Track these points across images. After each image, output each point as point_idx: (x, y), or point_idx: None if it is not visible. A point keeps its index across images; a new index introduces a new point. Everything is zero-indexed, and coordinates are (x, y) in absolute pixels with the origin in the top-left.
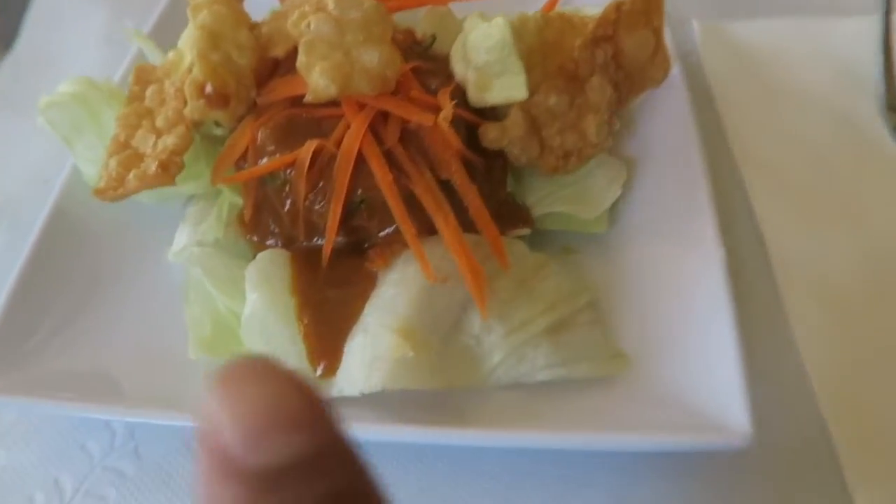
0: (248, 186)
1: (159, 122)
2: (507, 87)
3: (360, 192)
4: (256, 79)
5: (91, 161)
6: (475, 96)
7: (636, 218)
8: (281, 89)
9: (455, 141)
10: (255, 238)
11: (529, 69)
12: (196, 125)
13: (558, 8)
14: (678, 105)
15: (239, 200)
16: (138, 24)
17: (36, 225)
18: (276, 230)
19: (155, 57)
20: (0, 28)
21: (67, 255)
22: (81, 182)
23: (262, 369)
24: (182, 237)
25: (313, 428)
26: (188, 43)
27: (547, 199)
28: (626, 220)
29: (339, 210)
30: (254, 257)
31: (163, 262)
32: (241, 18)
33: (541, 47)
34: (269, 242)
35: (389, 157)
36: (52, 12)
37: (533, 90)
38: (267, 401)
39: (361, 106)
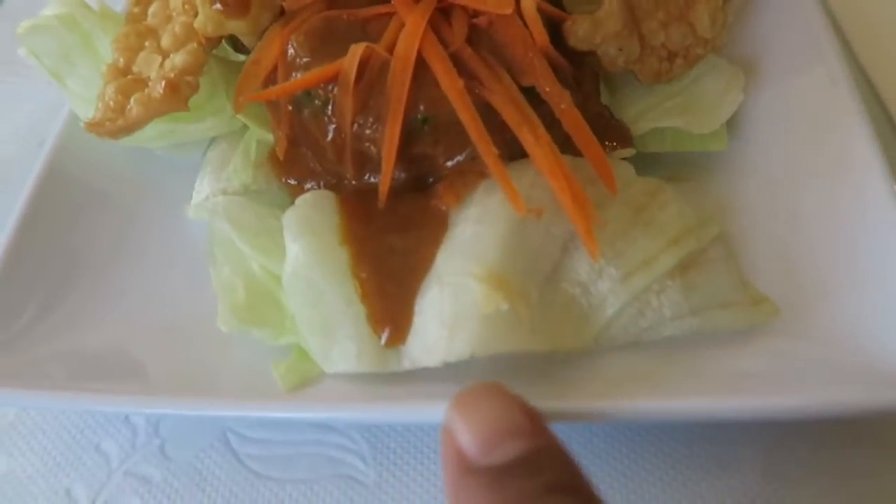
0: (279, 115)
1: (165, 42)
2: None
3: (421, 108)
4: None
5: (88, 101)
6: None
7: (762, 130)
8: None
9: (540, 34)
10: (292, 180)
11: None
12: (210, 43)
13: None
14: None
15: (269, 136)
16: None
17: (26, 186)
18: (318, 168)
19: None
20: None
21: (66, 217)
22: (79, 130)
23: (492, 390)
24: (203, 187)
25: (532, 435)
26: None
27: (649, 113)
28: (750, 133)
29: (396, 132)
30: (292, 204)
31: (181, 220)
32: None
33: None
34: (309, 185)
35: (456, 62)
36: None
37: None
38: (495, 414)
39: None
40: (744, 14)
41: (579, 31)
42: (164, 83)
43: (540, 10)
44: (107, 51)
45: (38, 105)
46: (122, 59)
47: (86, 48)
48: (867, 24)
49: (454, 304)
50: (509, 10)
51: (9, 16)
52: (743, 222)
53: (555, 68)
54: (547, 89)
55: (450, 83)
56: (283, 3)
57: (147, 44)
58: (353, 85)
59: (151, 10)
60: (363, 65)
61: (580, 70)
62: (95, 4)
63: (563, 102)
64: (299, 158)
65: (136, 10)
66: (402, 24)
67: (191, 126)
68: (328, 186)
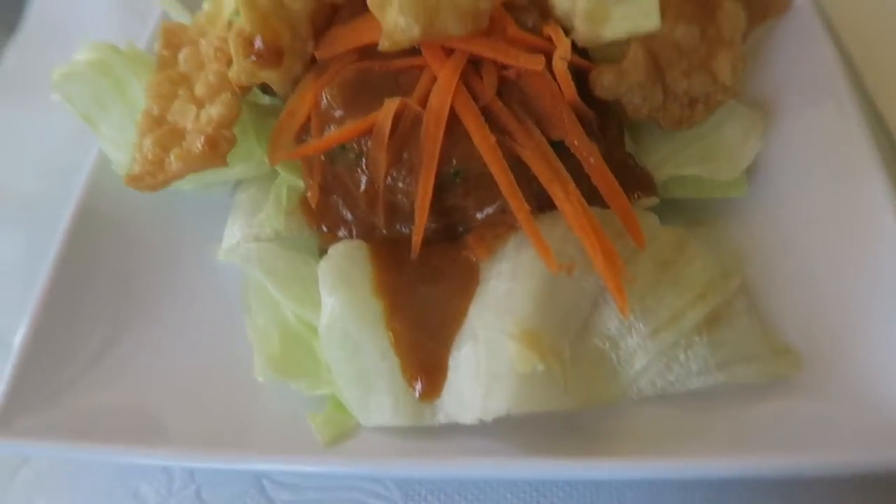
0: (312, 165)
1: (199, 90)
2: (633, 14)
3: (453, 162)
4: (313, 27)
5: (119, 145)
6: (587, 31)
7: (780, 175)
8: (345, 38)
9: (569, 88)
10: (323, 227)
11: None
12: (243, 90)
13: None
14: (810, 33)
15: (300, 183)
16: None
17: (60, 228)
18: (350, 217)
19: (181, 18)
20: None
21: (98, 265)
22: (109, 171)
23: None
24: (234, 231)
25: None
26: None
27: (672, 160)
28: (768, 179)
29: (429, 186)
30: (323, 251)
31: (212, 264)
32: None
33: None
34: (341, 233)
35: (487, 116)
36: None
37: None
38: None
39: (448, 52)
40: (759, 55)
41: (604, 81)
42: (203, 139)
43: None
44: (138, 94)
45: (61, 134)
46: (156, 108)
47: (118, 93)
48: (880, 60)
49: (489, 362)
50: (540, 67)
51: (27, 43)
52: (763, 268)
53: (581, 119)
54: (576, 143)
55: (482, 138)
56: (315, 53)
57: (181, 92)
58: (387, 139)
59: (182, 55)
60: (396, 118)
61: (605, 118)
62: (123, 45)
63: (591, 156)
64: (331, 206)
65: (166, 53)
66: (434, 77)
67: (221, 170)
68: (360, 234)
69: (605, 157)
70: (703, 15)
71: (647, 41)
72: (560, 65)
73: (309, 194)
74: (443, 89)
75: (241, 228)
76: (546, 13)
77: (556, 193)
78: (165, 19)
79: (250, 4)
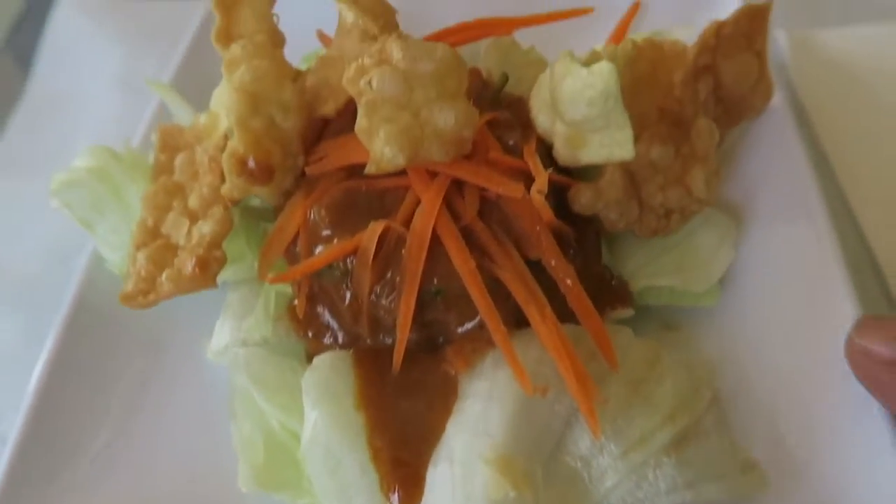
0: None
1: (192, 202)
2: (609, 143)
3: (434, 281)
4: (303, 143)
5: (114, 246)
6: (565, 154)
7: (751, 284)
8: (334, 156)
9: (547, 213)
10: (310, 334)
11: None
12: (236, 202)
13: (633, 29)
14: (784, 138)
15: (287, 289)
16: (160, 65)
17: (53, 327)
18: (336, 326)
19: (179, 110)
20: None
21: (91, 361)
22: (103, 270)
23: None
24: (223, 333)
25: None
26: (224, 105)
27: (646, 269)
28: (739, 286)
29: (411, 305)
30: (309, 355)
31: (203, 360)
32: (285, 71)
33: (632, 84)
34: (327, 340)
35: (468, 236)
36: (64, 51)
37: None
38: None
39: (432, 175)
40: (734, 157)
41: (582, 199)
42: (194, 261)
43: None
44: (134, 198)
45: (60, 214)
46: (151, 219)
47: (115, 198)
48: (856, 163)
49: (465, 484)
50: (519, 195)
51: (28, 117)
52: (733, 377)
53: (559, 236)
54: (553, 263)
55: (462, 262)
56: (306, 169)
57: (175, 203)
58: (370, 260)
59: (178, 160)
60: (381, 239)
61: (583, 230)
62: (121, 144)
63: (567, 278)
64: (317, 315)
65: (162, 157)
66: (418, 199)
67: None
68: (345, 342)
69: (582, 269)
70: (678, 134)
71: (624, 162)
72: (537, 198)
73: (297, 304)
74: (426, 212)
75: (230, 331)
76: (529, 127)
77: (533, 315)
78: (162, 108)
79: (244, 126)
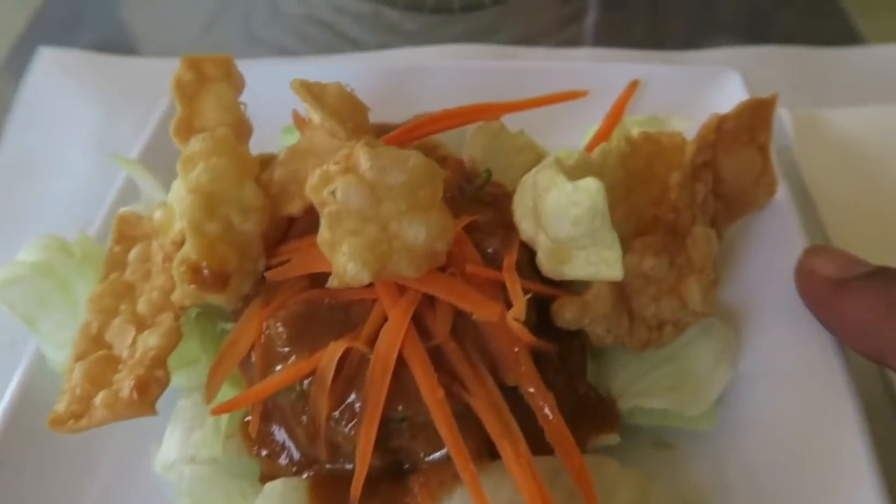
0: None
1: (141, 307)
2: (596, 261)
3: (399, 408)
4: (266, 243)
5: (58, 345)
6: (549, 267)
7: (752, 401)
8: (297, 262)
9: (526, 336)
10: (263, 454)
11: (611, 207)
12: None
13: (630, 111)
14: (789, 237)
15: None
16: (138, 126)
17: None
18: (292, 446)
19: (148, 187)
20: None
21: (27, 472)
22: (45, 372)
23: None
24: (171, 445)
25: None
26: (179, 204)
27: (636, 387)
28: (740, 403)
29: (372, 434)
30: (264, 476)
31: (149, 471)
32: (247, 168)
33: (626, 181)
34: (282, 461)
35: (438, 358)
36: (39, 109)
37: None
38: (839, 252)
39: (402, 289)
40: (733, 255)
41: (566, 315)
42: (132, 384)
43: (526, 288)
44: (82, 294)
45: None
46: (95, 324)
47: (61, 293)
48: (863, 252)
49: None
50: (495, 319)
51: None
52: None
53: (540, 354)
54: (531, 391)
55: (429, 391)
56: (265, 275)
57: (123, 307)
58: (329, 384)
59: (132, 255)
60: (342, 359)
61: (567, 345)
62: (75, 236)
63: (547, 407)
64: (272, 435)
65: (117, 248)
66: (385, 315)
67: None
68: (301, 464)
69: (565, 390)
70: (673, 244)
71: None
72: (514, 324)
73: (251, 423)
74: (392, 333)
75: (177, 445)
76: (512, 230)
77: (506, 452)
78: (129, 185)
79: (198, 232)
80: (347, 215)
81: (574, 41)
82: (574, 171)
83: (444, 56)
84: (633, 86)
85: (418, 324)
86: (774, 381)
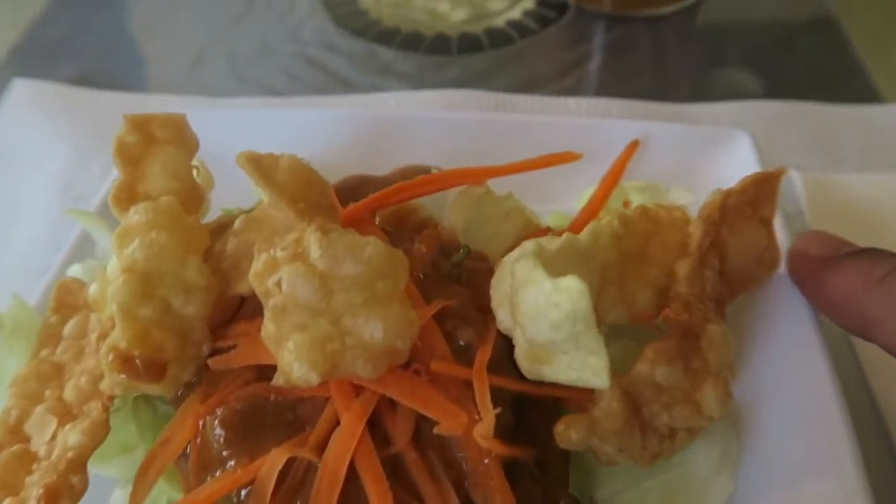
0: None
1: (68, 394)
2: (579, 367)
3: None
4: (213, 323)
5: None
6: (527, 367)
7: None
8: (243, 350)
9: (498, 449)
10: None
11: (601, 292)
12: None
13: (627, 176)
14: (797, 318)
15: (180, 495)
16: (106, 171)
17: None
18: None
19: (105, 242)
20: None
21: None
22: None
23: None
24: None
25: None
26: (110, 285)
27: (623, 496)
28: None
29: None
30: None
31: None
32: (192, 242)
33: (618, 261)
34: None
35: (397, 468)
36: (5, 147)
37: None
38: (828, 234)
39: (358, 389)
40: (736, 334)
41: (573, 437)
42: (40, 493)
43: (501, 389)
44: (9, 372)
45: None
46: (15, 412)
47: None
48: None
49: None
50: (459, 432)
51: None
52: None
53: (515, 463)
54: None
55: None
56: (208, 362)
57: (48, 392)
58: (269, 497)
59: (68, 327)
60: (286, 467)
61: (548, 449)
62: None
63: None
64: None
65: (53, 320)
66: (338, 417)
67: (96, 466)
68: None
69: (543, 501)
70: (687, 346)
71: (624, 382)
72: (483, 439)
73: None
74: (343, 440)
75: None
76: (490, 315)
77: None
78: (84, 239)
79: (129, 317)
80: (294, 308)
81: (575, 89)
82: (557, 259)
83: (437, 101)
84: (633, 146)
85: (376, 428)
86: (779, 479)
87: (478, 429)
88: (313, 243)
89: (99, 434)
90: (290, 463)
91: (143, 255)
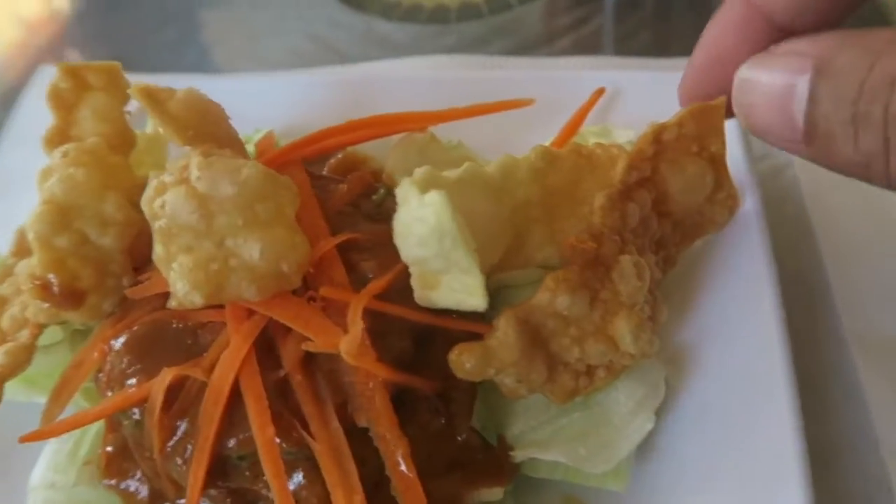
0: (109, 420)
1: (4, 323)
2: (458, 289)
3: (231, 444)
4: (138, 259)
5: None
6: (420, 294)
7: (676, 462)
8: (156, 280)
9: (383, 371)
10: (114, 483)
11: (525, 230)
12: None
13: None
14: (752, 265)
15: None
16: None
17: None
18: (142, 479)
19: None
20: None
21: None
22: None
23: None
24: (38, 469)
25: None
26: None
27: (536, 434)
28: (661, 462)
29: (201, 472)
30: None
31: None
32: (113, 179)
33: (543, 199)
34: (137, 495)
35: (284, 391)
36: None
37: (522, 262)
38: None
39: (249, 313)
40: (687, 280)
41: (466, 365)
42: None
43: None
44: None
45: None
46: None
47: None
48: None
49: None
50: (335, 349)
51: None
52: None
53: (414, 392)
54: (385, 435)
55: (259, 427)
56: (126, 292)
57: None
58: (159, 412)
59: (19, 266)
60: (178, 387)
61: (452, 383)
62: None
63: (398, 454)
64: (125, 465)
65: (10, 261)
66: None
67: (37, 395)
68: (154, 498)
69: (443, 435)
70: (593, 276)
71: (522, 313)
72: (350, 358)
73: (101, 451)
74: (228, 360)
75: (41, 470)
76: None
77: (338, 502)
78: None
79: (45, 245)
80: (180, 230)
81: (572, 50)
82: (460, 189)
83: (421, 68)
84: (598, 94)
85: (270, 353)
86: (709, 433)
87: (343, 342)
88: (193, 166)
89: (21, 356)
90: (183, 384)
91: (61, 189)
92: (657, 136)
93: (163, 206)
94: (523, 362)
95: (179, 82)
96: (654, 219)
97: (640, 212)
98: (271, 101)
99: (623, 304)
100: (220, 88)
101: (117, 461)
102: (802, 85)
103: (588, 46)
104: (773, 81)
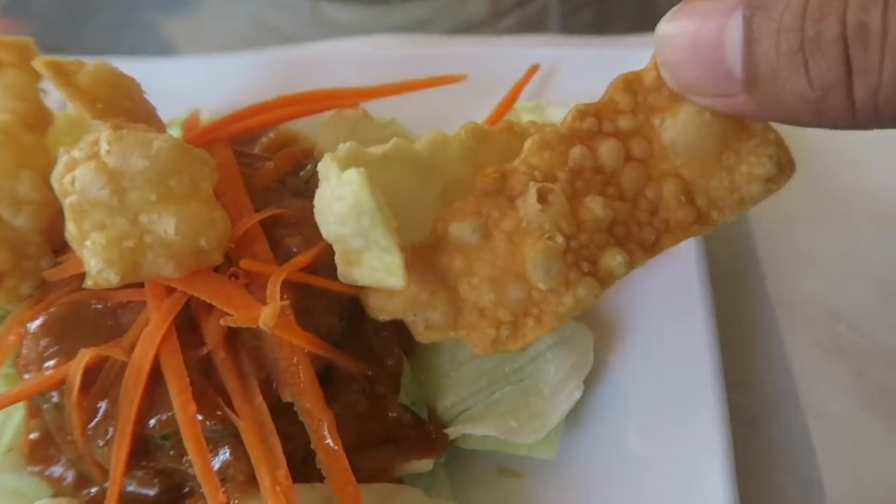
0: (30, 405)
1: None
2: (378, 267)
3: (152, 423)
4: (60, 241)
5: None
6: (341, 270)
7: (605, 429)
8: (74, 261)
9: (305, 342)
10: (39, 469)
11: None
12: None
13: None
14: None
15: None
16: None
17: None
18: (67, 463)
19: None
20: None
21: None
22: None
23: None
24: None
25: None
26: None
27: (469, 407)
28: (590, 428)
29: (122, 453)
30: (54, 496)
31: None
32: (27, 158)
33: (475, 176)
34: (63, 480)
35: (207, 369)
36: None
37: None
38: None
39: (169, 291)
40: None
41: (369, 301)
42: None
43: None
44: None
45: None
46: None
47: None
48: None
49: None
50: (254, 324)
51: None
52: None
53: (342, 369)
54: (308, 407)
55: (181, 405)
56: (44, 274)
57: None
58: (78, 394)
59: None
60: (97, 368)
61: (381, 360)
62: None
63: (323, 427)
64: (48, 450)
65: None
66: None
67: None
68: (76, 484)
69: (372, 413)
70: (492, 204)
71: (418, 246)
72: (270, 329)
73: (24, 437)
74: (148, 340)
75: None
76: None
77: (262, 478)
78: None
79: None
80: (92, 207)
81: (516, 28)
82: (385, 166)
83: (363, 48)
84: (532, 71)
85: (193, 331)
86: (636, 400)
87: (262, 313)
88: (102, 140)
89: None
90: (103, 365)
91: None
92: (629, 84)
93: (73, 182)
94: (421, 298)
95: (115, 65)
96: (630, 172)
97: (599, 159)
98: (208, 82)
99: (529, 231)
100: (156, 70)
101: (41, 447)
102: (734, 25)
103: (533, 25)
104: (699, 29)
